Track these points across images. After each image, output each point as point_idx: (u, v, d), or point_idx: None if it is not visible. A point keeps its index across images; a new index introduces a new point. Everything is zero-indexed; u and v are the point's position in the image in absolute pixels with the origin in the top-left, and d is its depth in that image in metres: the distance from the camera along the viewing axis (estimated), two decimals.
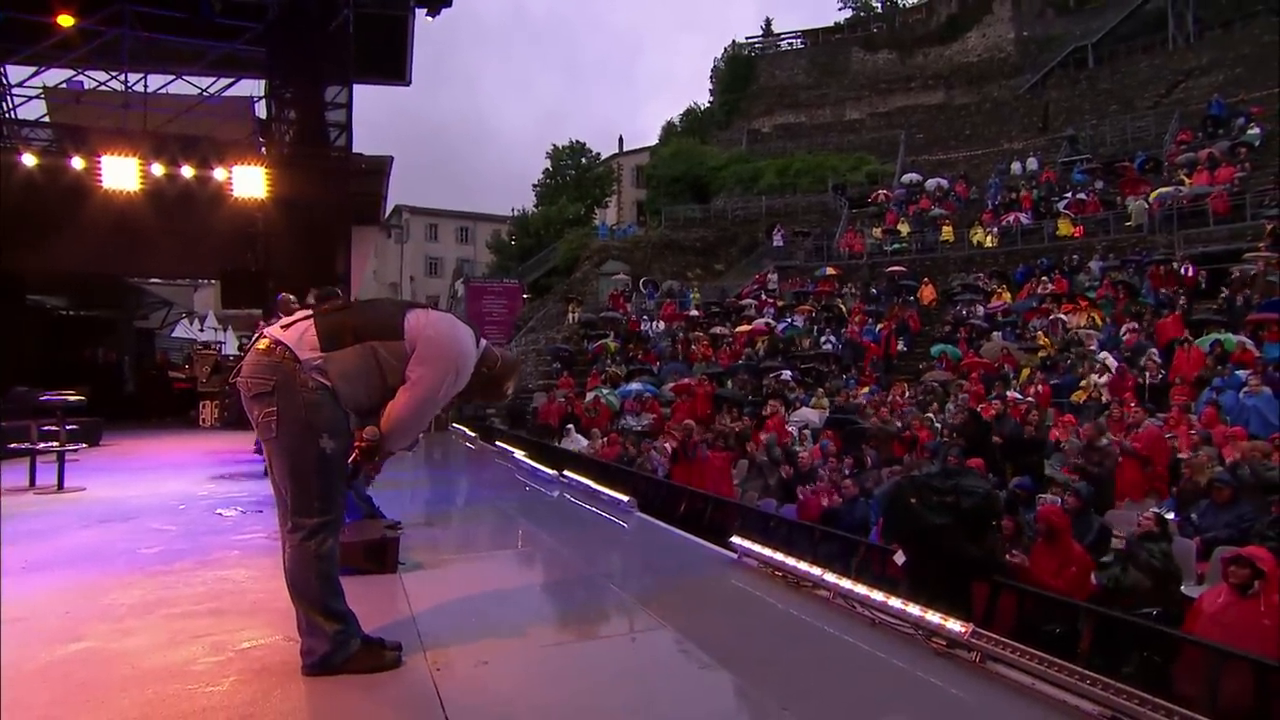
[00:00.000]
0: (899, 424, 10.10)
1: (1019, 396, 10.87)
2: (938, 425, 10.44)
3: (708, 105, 42.94)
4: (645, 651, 3.33)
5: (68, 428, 7.38)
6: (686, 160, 33.99)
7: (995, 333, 15.03)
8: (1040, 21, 36.10)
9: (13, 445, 7.10)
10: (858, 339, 16.38)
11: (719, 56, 42.93)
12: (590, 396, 14.05)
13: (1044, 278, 16.87)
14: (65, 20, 13.93)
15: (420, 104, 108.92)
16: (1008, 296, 16.85)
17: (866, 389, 13.18)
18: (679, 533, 5.29)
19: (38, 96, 16.39)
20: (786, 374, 14.53)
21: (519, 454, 9.17)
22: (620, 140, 43.60)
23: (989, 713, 2.69)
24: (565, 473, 7.26)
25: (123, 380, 20.02)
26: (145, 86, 16.52)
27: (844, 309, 18.39)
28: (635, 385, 14.59)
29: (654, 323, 20.31)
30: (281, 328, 2.89)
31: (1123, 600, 4.81)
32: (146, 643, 3.15)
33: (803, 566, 3.88)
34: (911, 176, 28.03)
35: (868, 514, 7.51)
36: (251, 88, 17.19)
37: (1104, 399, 10.20)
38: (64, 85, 16.48)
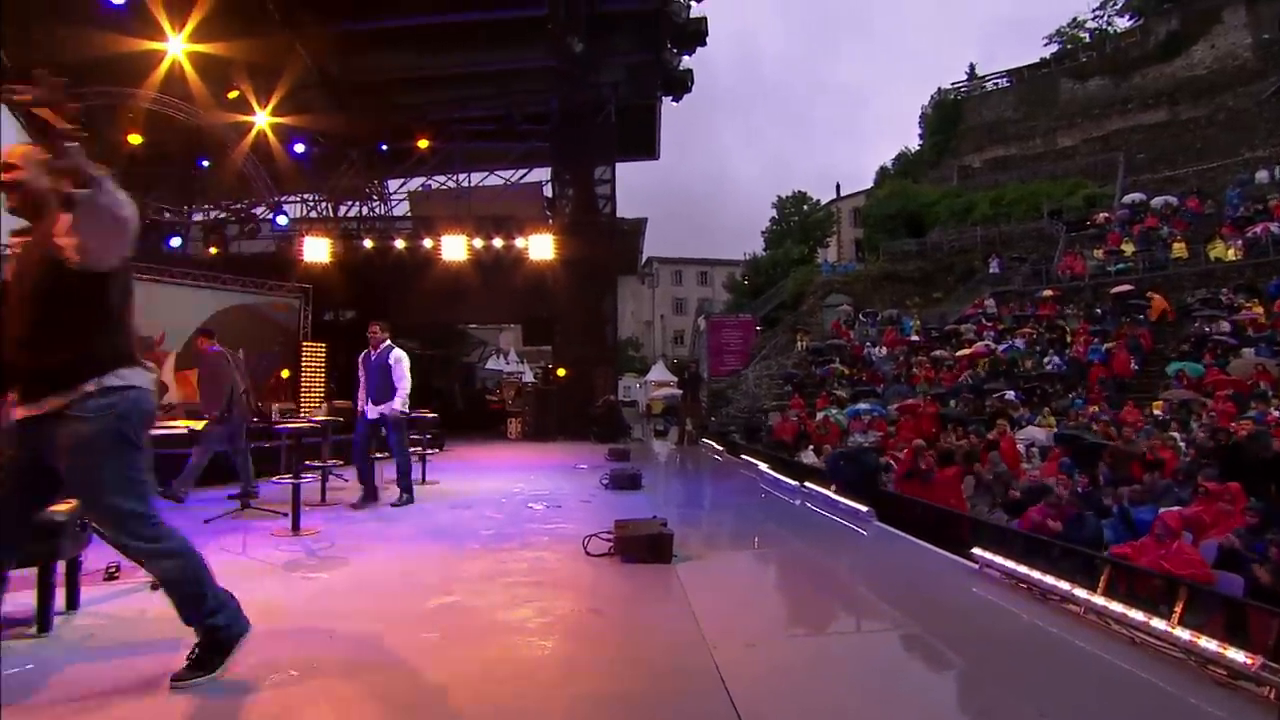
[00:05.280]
0: (1143, 443, 8.65)
1: None
2: (1181, 445, 8.81)
3: (918, 148, 40.35)
4: (893, 649, 3.15)
5: (427, 437, 8.57)
6: (901, 199, 32.08)
7: (1246, 349, 12.42)
8: None
9: None
10: (1082, 359, 14.34)
11: (926, 103, 40.29)
12: (820, 416, 13.62)
13: None
14: (423, 143, 16.46)
15: (668, 168, 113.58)
16: (1260, 310, 13.87)
17: (1095, 408, 11.48)
18: (918, 542, 4.93)
19: (403, 199, 19.61)
20: (1010, 394, 13.08)
21: (762, 466, 9.10)
22: (837, 187, 42.30)
23: None
24: (806, 484, 7.09)
25: (455, 402, 22.79)
26: (469, 182, 19.05)
27: (1066, 330, 16.22)
28: (863, 405, 13.91)
29: (877, 348, 19.29)
30: None
31: None
32: (493, 603, 3.55)
33: (1050, 579, 3.45)
34: (1135, 196, 24.14)
35: (1099, 531, 6.50)
36: (541, 174, 19.12)
37: None
38: (420, 188, 19.49)
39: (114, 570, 3.84)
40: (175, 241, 14.86)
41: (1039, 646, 3.08)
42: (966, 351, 16.35)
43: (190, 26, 11.15)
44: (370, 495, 6.43)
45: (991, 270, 23.06)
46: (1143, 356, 14.20)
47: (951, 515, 5.93)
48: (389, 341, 6.60)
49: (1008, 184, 30.51)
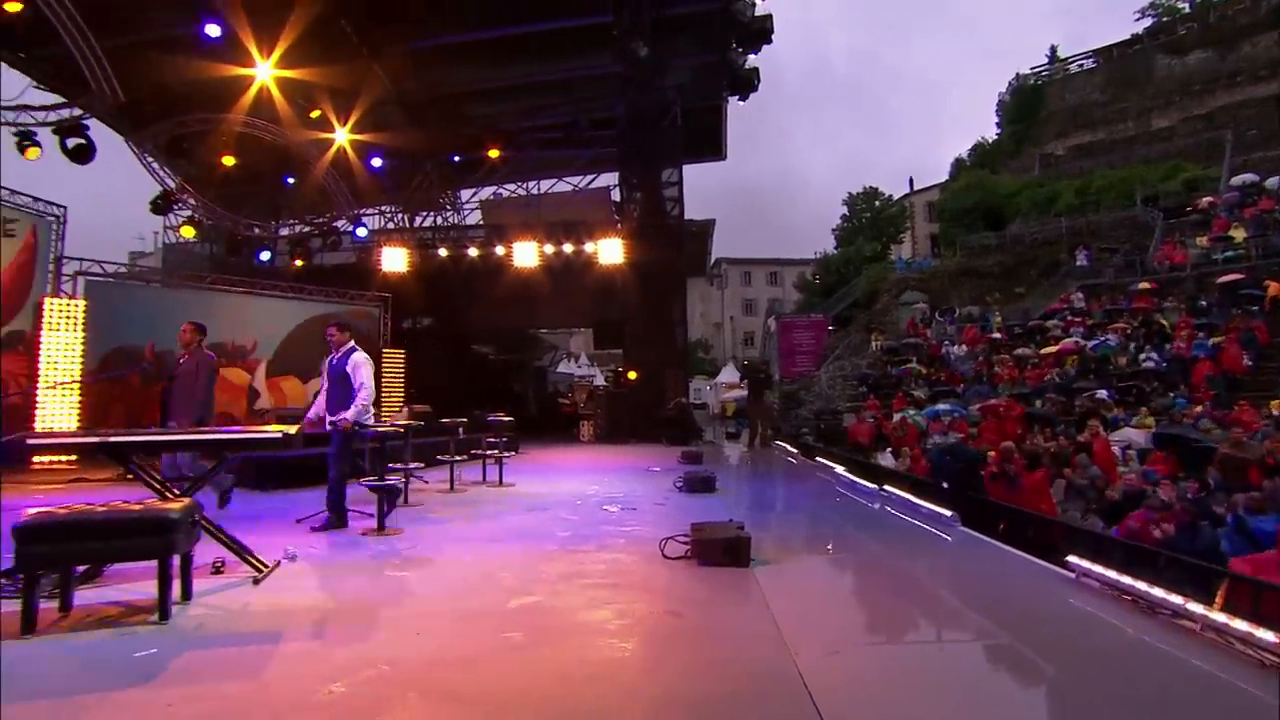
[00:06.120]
0: (1261, 446, 8.00)
1: None
2: None
3: (995, 138, 38.71)
4: (985, 660, 3.03)
5: (503, 440, 8.77)
6: (978, 191, 30.84)
7: None
8: None
9: (474, 451, 8.59)
10: (1185, 354, 13.37)
11: (1003, 90, 38.60)
12: (897, 417, 13.22)
13: None
14: (494, 153, 16.91)
15: (737, 168, 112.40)
16: None
17: (1199, 407, 10.69)
18: (1008, 548, 4.71)
19: (476, 208, 20.16)
20: (1102, 393, 12.33)
21: (839, 469, 8.89)
22: (910, 181, 41.09)
23: None
24: (885, 487, 6.89)
25: (528, 405, 23.25)
26: (539, 189, 19.44)
27: (1166, 324, 15.18)
28: (942, 406, 13.42)
29: (955, 346, 18.59)
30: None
31: None
32: (572, 604, 3.59)
33: (1159, 592, 3.22)
34: (1246, 177, 22.35)
35: (1215, 541, 6.04)
36: (609, 179, 19.31)
37: None
38: (491, 197, 20.02)
39: (220, 565, 4.10)
40: (265, 255, 15.74)
41: (1148, 663, 2.89)
42: (1053, 349, 15.55)
43: (277, 54, 11.81)
44: (338, 521, 5.56)
45: (1079, 263, 21.89)
46: (1258, 351, 13.15)
47: (1042, 520, 5.63)
48: (351, 343, 5.83)
49: (1095, 171, 28.95)
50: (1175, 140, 29.70)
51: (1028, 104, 36.62)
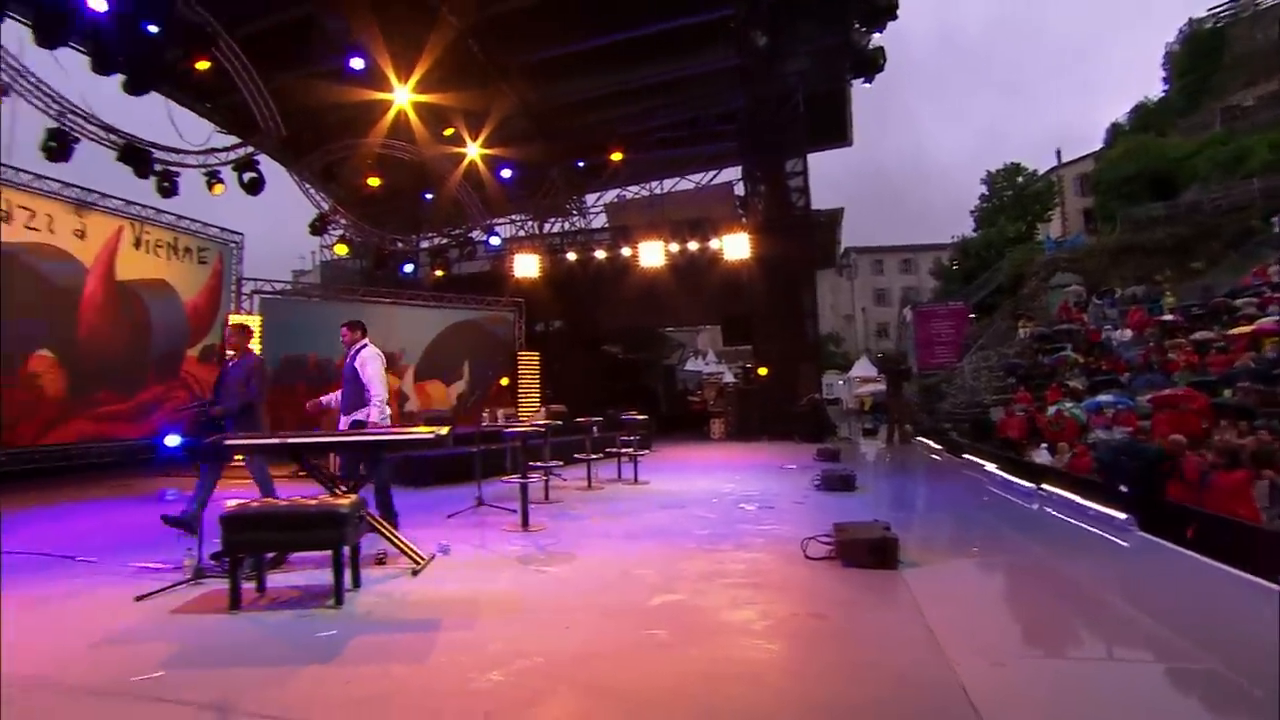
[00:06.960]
0: None
1: None
2: None
3: (1161, 95, 34.47)
4: (1181, 686, 2.69)
5: (635, 439, 8.90)
6: (1142, 157, 27.53)
7: None
8: None
9: (609, 450, 8.77)
10: None
11: (1171, 40, 34.27)
12: (1052, 410, 12.12)
13: None
14: (616, 157, 17.24)
15: (864, 153, 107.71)
16: None
17: None
18: (1205, 559, 4.14)
19: (601, 211, 20.69)
20: None
21: (989, 466, 8.29)
22: (1058, 153, 37.42)
23: None
24: (1043, 486, 6.33)
25: (658, 403, 23.49)
26: (662, 188, 19.60)
27: None
28: (1105, 397, 12.17)
29: (1118, 331, 16.78)
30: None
31: None
32: (715, 603, 3.57)
33: None
34: None
35: None
36: (732, 174, 19.15)
37: None
38: (615, 199, 20.44)
39: (382, 557, 4.44)
40: (408, 267, 16.89)
41: None
42: (1245, 329, 13.62)
43: (414, 79, 12.69)
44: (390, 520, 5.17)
45: (1278, 230, 19.06)
46: None
47: (1244, 528, 4.93)
48: (363, 341, 5.55)
49: None
50: None
51: (1204, 50, 32.26)
